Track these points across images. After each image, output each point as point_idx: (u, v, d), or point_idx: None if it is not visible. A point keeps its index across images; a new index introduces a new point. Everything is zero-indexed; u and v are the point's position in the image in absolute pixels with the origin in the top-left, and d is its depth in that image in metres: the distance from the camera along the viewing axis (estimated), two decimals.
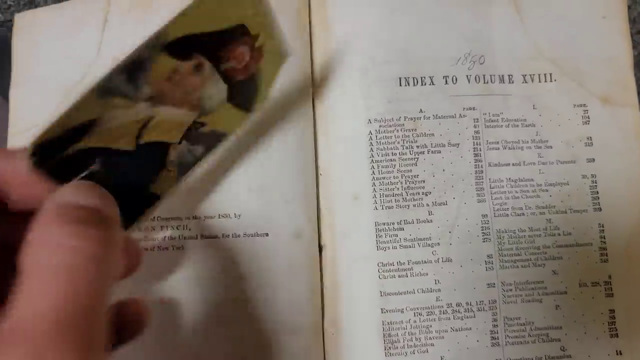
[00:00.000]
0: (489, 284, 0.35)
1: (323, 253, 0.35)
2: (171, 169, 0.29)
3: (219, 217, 0.34)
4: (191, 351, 0.33)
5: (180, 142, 0.28)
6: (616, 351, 0.35)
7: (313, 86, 0.36)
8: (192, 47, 0.26)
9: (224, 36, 0.27)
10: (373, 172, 0.35)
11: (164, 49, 0.25)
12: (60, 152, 0.24)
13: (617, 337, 0.35)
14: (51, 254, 0.18)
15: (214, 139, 0.30)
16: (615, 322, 0.35)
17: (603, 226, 0.36)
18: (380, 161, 0.36)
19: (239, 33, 0.28)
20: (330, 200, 0.36)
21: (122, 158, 0.26)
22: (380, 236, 0.35)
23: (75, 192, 0.21)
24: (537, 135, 0.36)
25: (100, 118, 0.24)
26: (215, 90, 0.28)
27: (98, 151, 0.25)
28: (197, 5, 0.25)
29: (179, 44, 0.25)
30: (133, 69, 0.24)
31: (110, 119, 0.25)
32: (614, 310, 0.35)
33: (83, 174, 0.25)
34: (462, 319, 0.34)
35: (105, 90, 0.24)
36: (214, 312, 0.33)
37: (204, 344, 0.33)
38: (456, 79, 0.36)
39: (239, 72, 0.29)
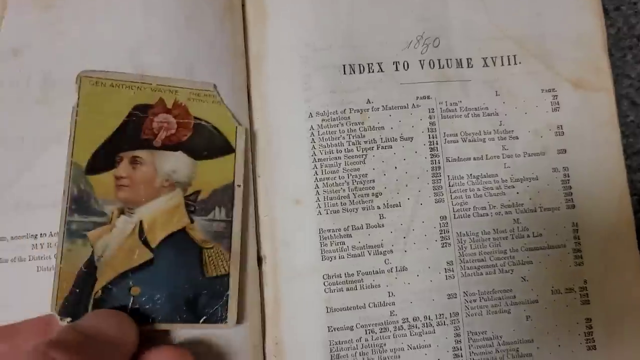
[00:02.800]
0: (449, 295, 0.31)
1: (263, 265, 0.31)
2: (209, 246, 0.29)
3: None
4: None
5: (193, 222, 0.29)
6: None
7: (248, 78, 0.32)
8: (110, 153, 0.29)
9: (127, 127, 0.29)
10: (316, 173, 0.31)
11: (87, 173, 0.29)
12: (86, 299, 0.28)
13: (595, 349, 0.31)
14: None
15: (223, 195, 0.30)
16: (592, 332, 0.31)
17: (577, 225, 0.32)
18: (324, 160, 0.31)
19: (140, 113, 0.29)
20: (269, 205, 0.31)
21: (153, 267, 0.28)
22: (325, 244, 0.31)
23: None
24: (500, 125, 0.32)
25: (95, 256, 0.28)
26: (174, 162, 0.29)
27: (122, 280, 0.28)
28: (81, 127, 0.29)
29: (96, 160, 0.29)
30: (77, 203, 0.28)
31: (102, 251, 0.28)
32: (590, 319, 0.31)
33: (130, 303, 0.28)
34: (421, 335, 0.30)
35: (70, 232, 0.28)
36: None
37: None
38: (408, 65, 0.32)
39: (178, 133, 0.30)
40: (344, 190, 0.31)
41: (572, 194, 0.32)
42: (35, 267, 0.29)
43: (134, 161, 0.29)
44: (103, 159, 0.29)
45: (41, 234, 0.29)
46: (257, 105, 0.32)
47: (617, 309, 0.31)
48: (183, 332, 0.29)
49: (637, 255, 0.32)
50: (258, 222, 0.31)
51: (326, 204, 0.31)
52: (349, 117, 0.32)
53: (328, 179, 0.31)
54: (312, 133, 0.31)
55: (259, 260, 0.31)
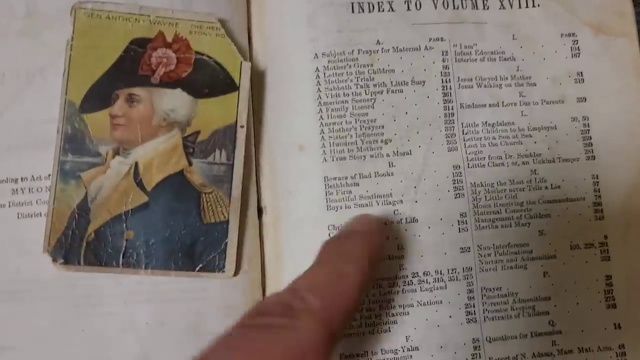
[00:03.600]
0: (462, 249, 0.29)
1: (263, 217, 0.29)
2: (208, 191, 0.27)
3: None
4: None
5: (191, 164, 0.27)
6: (614, 324, 0.29)
7: (249, 16, 0.30)
8: (105, 90, 0.27)
9: (123, 62, 0.27)
10: (321, 117, 0.29)
11: (82, 111, 0.27)
12: (79, 241, 0.26)
13: (615, 307, 0.29)
14: None
15: (225, 136, 0.28)
16: (612, 290, 0.29)
17: (597, 177, 0.30)
18: (330, 104, 0.29)
19: (137, 48, 0.28)
20: (271, 152, 0.29)
21: (147, 211, 0.27)
22: (331, 193, 0.29)
23: None
24: (518, 70, 0.30)
25: (88, 198, 0.26)
26: (172, 100, 0.27)
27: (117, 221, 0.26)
28: (75, 62, 0.27)
29: (91, 98, 0.27)
30: (71, 142, 0.26)
31: (96, 192, 0.26)
32: (611, 277, 0.29)
33: (123, 247, 0.26)
34: (431, 291, 0.28)
35: (64, 173, 0.26)
36: None
37: None
38: (420, 4, 0.30)
39: (178, 69, 0.28)
40: (351, 136, 0.29)
41: (592, 144, 0.30)
42: (15, 213, 0.27)
43: (131, 99, 0.27)
44: (98, 96, 0.27)
45: (22, 178, 0.27)
46: (258, 45, 0.30)
47: (639, 266, 0.29)
48: (178, 280, 0.27)
49: None
50: (258, 171, 0.29)
51: (332, 150, 0.29)
52: (357, 59, 0.30)
53: (334, 124, 0.29)
54: (318, 75, 0.30)
55: (259, 211, 0.29)
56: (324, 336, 0.18)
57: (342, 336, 0.21)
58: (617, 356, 0.29)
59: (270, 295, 0.21)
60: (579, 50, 0.31)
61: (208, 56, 0.28)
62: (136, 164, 0.27)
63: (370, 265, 0.22)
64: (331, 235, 0.28)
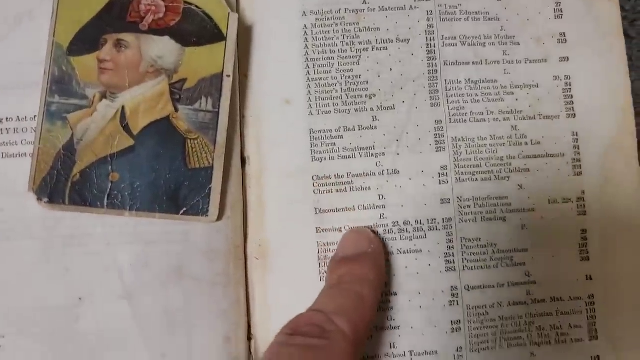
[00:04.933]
0: (443, 200, 0.29)
1: (246, 167, 0.30)
2: (194, 137, 0.27)
3: None
4: None
5: (177, 110, 0.28)
6: (586, 276, 0.30)
7: None
8: (93, 34, 0.28)
9: (113, 8, 0.28)
10: (308, 72, 0.30)
11: (69, 54, 0.27)
12: (65, 181, 0.26)
13: (588, 260, 0.30)
14: None
15: (211, 84, 0.28)
16: (587, 243, 0.30)
17: (577, 135, 0.31)
18: (317, 60, 0.30)
19: None
20: (256, 105, 0.30)
21: (133, 155, 0.27)
22: (316, 145, 0.29)
23: None
24: (502, 30, 0.31)
25: (75, 139, 0.27)
26: (160, 47, 0.28)
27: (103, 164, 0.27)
28: (64, 5, 0.27)
29: (79, 41, 0.27)
30: (58, 84, 0.27)
31: (82, 134, 0.27)
32: (586, 231, 0.30)
33: (109, 189, 0.27)
34: (411, 240, 0.29)
35: (50, 113, 0.27)
36: None
37: None
38: None
39: (166, 17, 0.28)
40: (336, 91, 0.30)
41: (573, 102, 0.31)
42: (0, 153, 0.27)
43: (119, 44, 0.28)
44: (86, 40, 0.28)
45: (7, 118, 0.28)
46: (245, 2, 0.30)
47: (614, 221, 0.30)
48: (162, 223, 0.27)
49: (638, 169, 0.31)
50: (243, 123, 0.30)
51: (318, 104, 0.30)
52: (343, 18, 0.30)
53: (320, 79, 0.30)
54: (306, 32, 0.30)
55: (243, 161, 0.30)
56: (354, 352, 0.22)
57: (364, 347, 0.25)
58: (586, 305, 0.29)
59: (302, 315, 0.24)
60: (562, 12, 0.31)
61: (196, 6, 0.28)
62: (123, 108, 0.27)
63: (382, 285, 0.26)
64: (315, 187, 0.29)
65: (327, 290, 0.25)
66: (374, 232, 0.28)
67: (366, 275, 0.25)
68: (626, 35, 0.34)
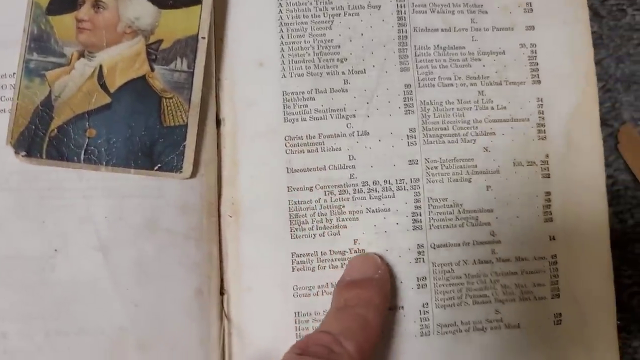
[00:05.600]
0: (410, 161, 0.30)
1: (221, 128, 0.31)
2: (169, 96, 0.28)
3: None
4: None
5: (153, 70, 0.28)
6: (549, 236, 0.31)
7: None
8: None
9: None
10: (282, 36, 0.31)
11: (47, 13, 0.28)
12: (42, 136, 0.27)
13: (552, 221, 0.31)
14: None
15: (186, 46, 0.29)
16: (550, 205, 0.31)
17: (542, 100, 0.32)
18: (290, 24, 0.31)
19: None
20: (231, 68, 0.31)
21: (110, 112, 0.28)
22: (289, 107, 0.30)
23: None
24: None
25: (52, 96, 0.28)
26: (137, 8, 0.29)
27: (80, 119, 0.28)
28: None
29: (57, 0, 0.28)
30: (37, 42, 0.28)
31: (60, 91, 0.28)
32: (550, 193, 0.31)
33: (85, 144, 0.27)
34: (380, 199, 0.30)
35: (29, 70, 0.28)
36: None
37: None
38: None
39: None
40: (309, 54, 0.31)
41: (538, 69, 0.32)
42: None
43: (97, 5, 0.28)
44: (65, 0, 0.28)
45: None
46: None
47: (576, 184, 0.31)
48: (138, 179, 0.28)
49: (599, 135, 0.32)
50: (218, 86, 0.31)
51: (291, 67, 0.31)
52: None
53: (294, 43, 0.31)
54: None
55: (218, 122, 0.31)
56: None
57: None
58: (549, 264, 0.30)
59: (310, 336, 0.25)
60: None
61: None
62: (100, 66, 0.28)
63: (386, 309, 0.27)
64: (287, 147, 0.30)
65: (334, 312, 0.27)
66: (381, 257, 0.29)
67: (372, 299, 0.26)
68: (597, 14, 0.36)
